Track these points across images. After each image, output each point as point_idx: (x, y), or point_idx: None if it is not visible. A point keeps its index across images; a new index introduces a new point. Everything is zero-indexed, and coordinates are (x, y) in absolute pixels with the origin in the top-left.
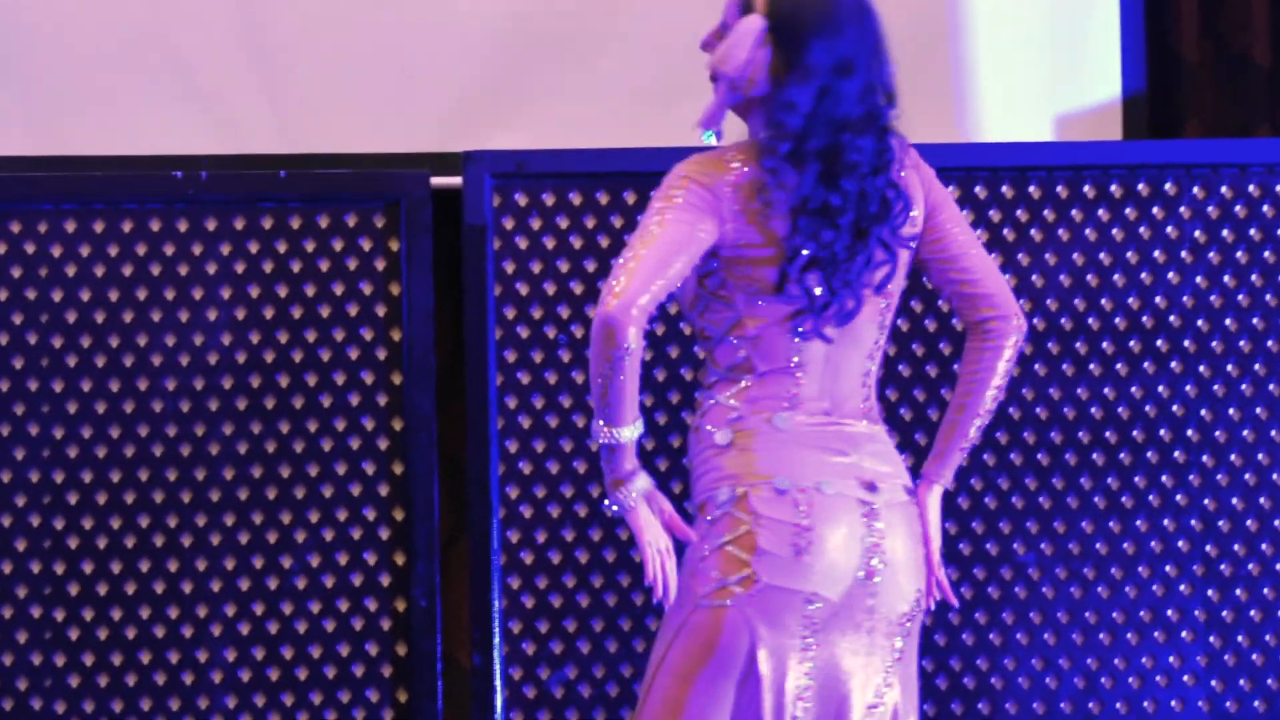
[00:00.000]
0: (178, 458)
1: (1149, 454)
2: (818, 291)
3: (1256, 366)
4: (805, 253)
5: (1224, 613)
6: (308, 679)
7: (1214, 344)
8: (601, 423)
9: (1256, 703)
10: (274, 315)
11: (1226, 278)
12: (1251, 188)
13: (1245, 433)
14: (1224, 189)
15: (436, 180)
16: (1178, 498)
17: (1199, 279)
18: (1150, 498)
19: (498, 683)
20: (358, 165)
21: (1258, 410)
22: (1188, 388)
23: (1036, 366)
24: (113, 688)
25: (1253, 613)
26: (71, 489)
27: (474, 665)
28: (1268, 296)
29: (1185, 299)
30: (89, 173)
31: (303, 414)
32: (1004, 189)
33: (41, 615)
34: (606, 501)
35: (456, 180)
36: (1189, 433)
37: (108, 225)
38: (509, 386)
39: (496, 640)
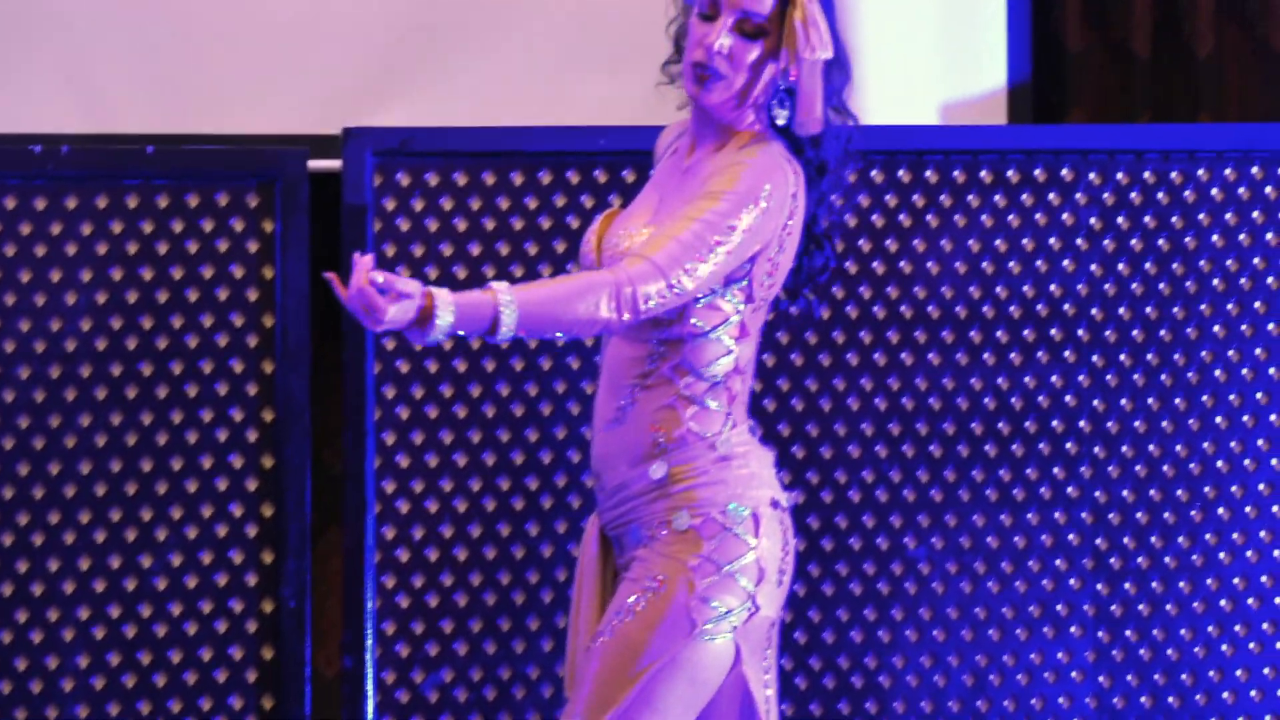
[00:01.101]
0: (30, 450)
1: (1041, 445)
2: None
3: (1149, 356)
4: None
5: (1112, 607)
6: (166, 685)
7: (1108, 333)
8: (508, 330)
9: (1143, 699)
10: (138, 299)
11: (1121, 266)
12: (1147, 174)
13: (1137, 424)
14: (1119, 175)
15: (314, 163)
16: (1069, 490)
17: (1094, 267)
18: (1041, 490)
19: (369, 687)
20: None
21: (1150, 401)
22: (1081, 377)
23: (930, 356)
24: None
25: (1141, 607)
26: None
27: (344, 669)
28: (1161, 285)
29: (1080, 287)
30: None
31: (166, 404)
32: (900, 173)
33: None
34: (432, 332)
35: (334, 163)
36: (1081, 424)
37: None
38: (387, 375)
39: (369, 642)
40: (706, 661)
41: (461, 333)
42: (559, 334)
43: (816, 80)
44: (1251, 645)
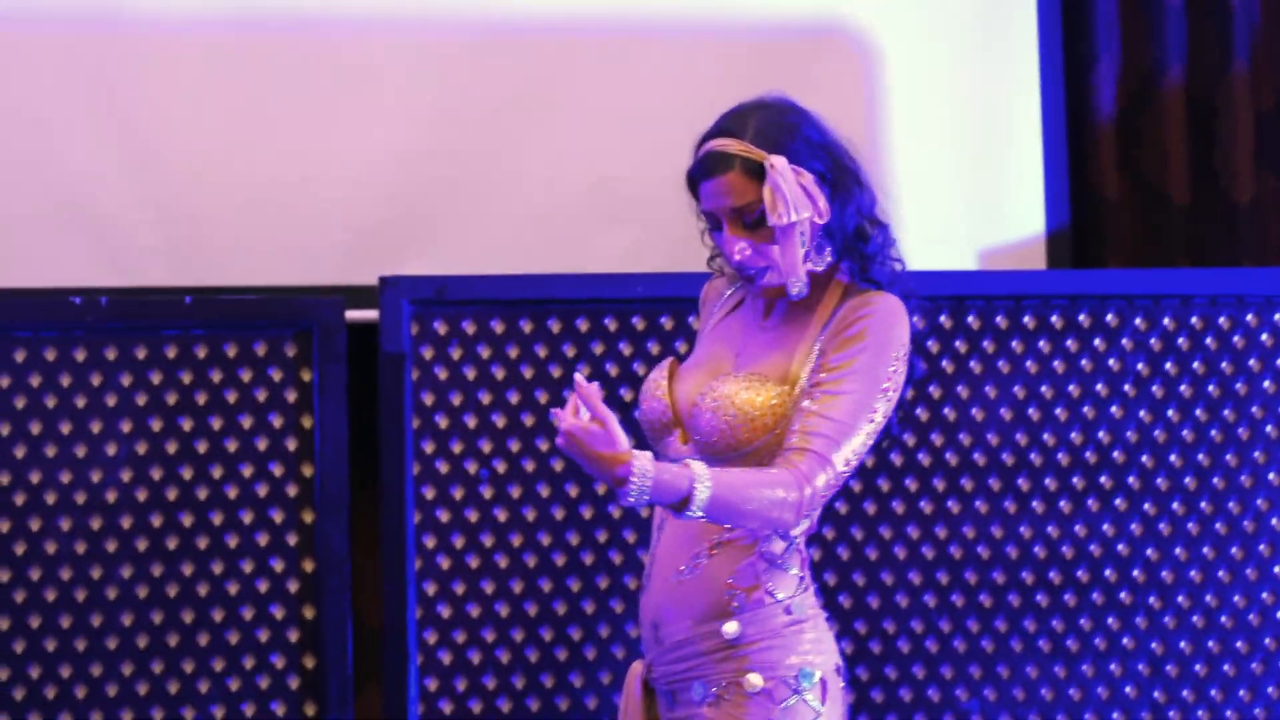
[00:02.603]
0: (72, 603)
1: (1094, 595)
2: None
3: (1202, 504)
4: None
5: None
6: None
7: (1159, 481)
8: (698, 509)
9: None
10: (177, 450)
11: (1170, 412)
12: (1194, 319)
13: (1192, 573)
14: (1166, 320)
15: (349, 314)
16: (1124, 641)
17: (1143, 413)
18: (1096, 641)
19: None
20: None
21: (1204, 550)
22: (1133, 526)
23: (978, 504)
24: None
25: None
26: None
27: None
28: (1212, 432)
29: (1129, 434)
30: None
31: (207, 555)
32: (942, 319)
33: None
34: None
35: (370, 313)
36: (1135, 573)
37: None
38: (427, 525)
39: None
40: None
41: (647, 498)
42: (736, 524)
43: (792, 243)
44: None
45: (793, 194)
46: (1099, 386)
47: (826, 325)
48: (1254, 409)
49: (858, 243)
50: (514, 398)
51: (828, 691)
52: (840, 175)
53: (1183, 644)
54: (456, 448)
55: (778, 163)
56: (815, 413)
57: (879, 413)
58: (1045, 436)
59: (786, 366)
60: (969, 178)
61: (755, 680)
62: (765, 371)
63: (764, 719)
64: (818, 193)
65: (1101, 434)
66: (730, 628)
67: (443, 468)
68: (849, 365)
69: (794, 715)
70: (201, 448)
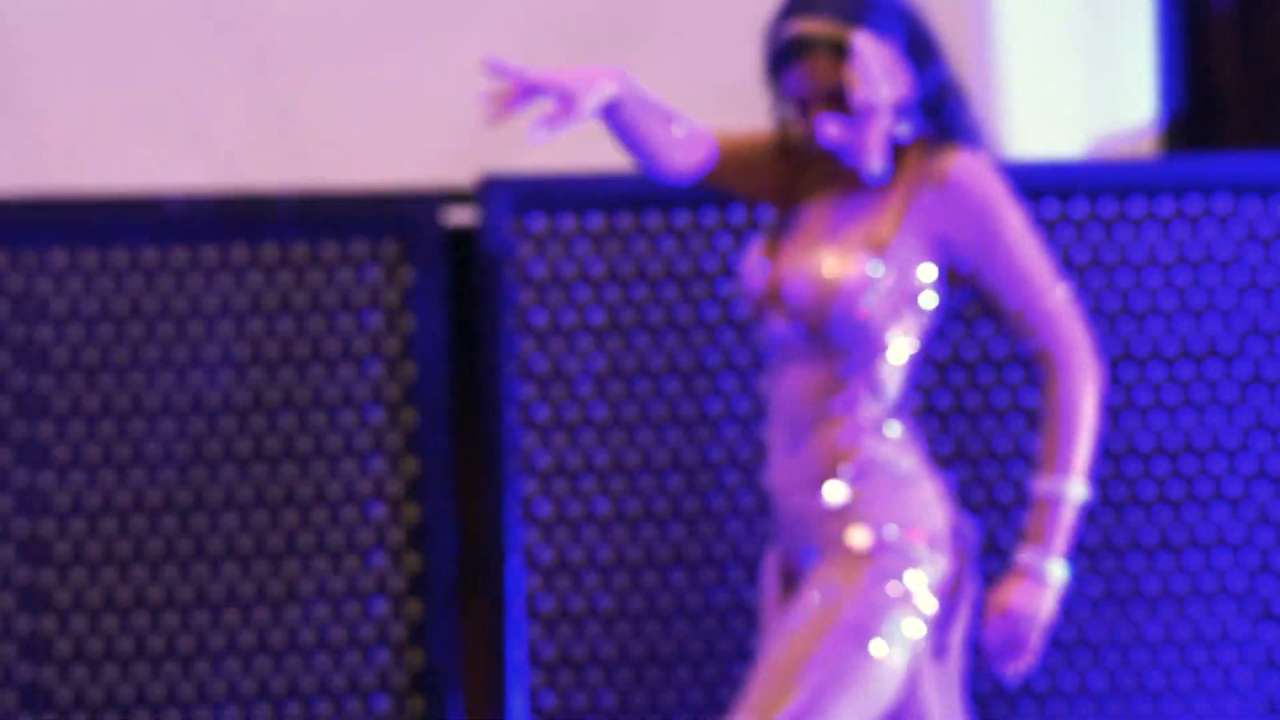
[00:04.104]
0: (177, 504)
1: (1200, 487)
2: None
3: None
4: None
5: None
6: None
7: (1269, 370)
8: (1087, 496)
9: None
10: (279, 352)
11: None
12: None
13: None
14: (1278, 206)
15: (453, 214)
16: (1232, 533)
17: (1254, 302)
18: (1203, 534)
19: None
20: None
21: None
22: (1241, 417)
23: None
24: None
25: None
26: (63, 540)
27: None
28: None
29: (1239, 323)
30: (79, 204)
31: (310, 457)
32: (1047, 208)
33: (29, 677)
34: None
35: (468, 213)
36: (1242, 464)
37: (100, 259)
38: (526, 424)
39: (520, 698)
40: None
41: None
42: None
43: (876, 121)
44: None
45: (877, 73)
46: (1208, 275)
47: (915, 188)
48: None
49: (939, 112)
50: (613, 295)
51: (933, 550)
52: (919, 44)
53: None
54: (556, 346)
55: (862, 40)
56: (1009, 286)
57: (1035, 238)
58: (1152, 327)
59: (872, 233)
60: (1083, 66)
61: (860, 537)
62: (851, 241)
63: (867, 573)
64: (901, 68)
65: (1211, 324)
66: (834, 492)
67: (542, 367)
68: (993, 239)
69: (898, 570)
70: (302, 349)
